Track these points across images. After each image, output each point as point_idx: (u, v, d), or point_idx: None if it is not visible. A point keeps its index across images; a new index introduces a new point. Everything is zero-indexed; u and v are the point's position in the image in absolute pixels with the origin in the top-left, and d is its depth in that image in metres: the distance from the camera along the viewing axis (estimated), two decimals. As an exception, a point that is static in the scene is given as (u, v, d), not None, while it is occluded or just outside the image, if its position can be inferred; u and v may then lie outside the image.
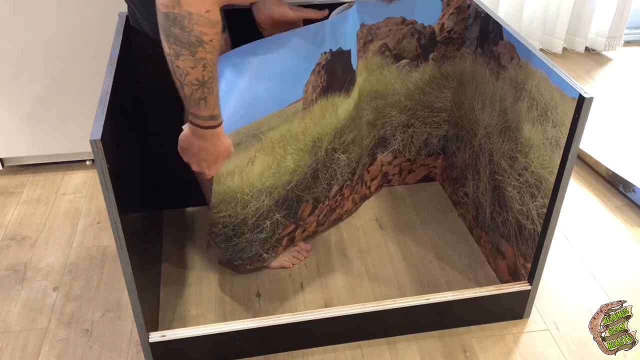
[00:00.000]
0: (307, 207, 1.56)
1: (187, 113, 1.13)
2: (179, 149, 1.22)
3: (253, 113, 1.28)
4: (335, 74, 1.42)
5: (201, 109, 1.11)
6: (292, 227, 1.55)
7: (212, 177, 1.33)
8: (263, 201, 1.41)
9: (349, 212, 1.79)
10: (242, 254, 1.50)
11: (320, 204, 1.60)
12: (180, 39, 1.01)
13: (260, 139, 1.32)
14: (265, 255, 1.54)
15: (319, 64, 1.37)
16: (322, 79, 1.39)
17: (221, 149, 1.19)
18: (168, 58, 1.04)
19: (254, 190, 1.37)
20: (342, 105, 1.49)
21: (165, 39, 1.02)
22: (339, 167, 1.60)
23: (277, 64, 1.28)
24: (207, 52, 1.03)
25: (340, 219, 1.76)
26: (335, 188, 1.63)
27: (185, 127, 1.18)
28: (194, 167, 1.23)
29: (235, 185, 1.33)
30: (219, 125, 1.15)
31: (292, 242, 1.61)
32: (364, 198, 1.84)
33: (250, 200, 1.38)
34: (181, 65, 1.04)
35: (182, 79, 1.06)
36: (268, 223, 1.47)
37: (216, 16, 1.00)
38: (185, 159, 1.23)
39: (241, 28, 1.38)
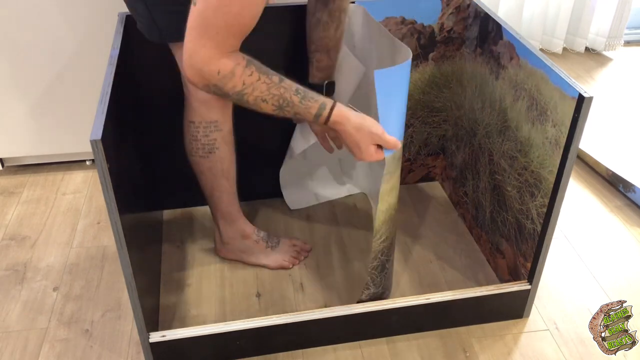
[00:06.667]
0: None
1: None
2: None
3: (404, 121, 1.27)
4: None
5: (305, 117, 1.13)
6: None
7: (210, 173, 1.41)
8: (392, 214, 1.34)
9: None
10: (388, 282, 1.42)
11: None
12: (231, 98, 1.09)
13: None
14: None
15: None
16: None
17: (352, 133, 1.14)
18: None
19: (397, 204, 1.32)
20: None
21: None
22: None
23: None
24: (252, 93, 1.07)
25: None
26: None
27: None
28: (357, 158, 1.21)
29: (393, 201, 1.27)
30: (329, 114, 1.13)
31: None
32: None
33: (395, 214, 1.32)
34: (256, 109, 1.11)
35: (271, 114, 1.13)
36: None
37: (228, 68, 1.04)
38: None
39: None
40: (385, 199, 1.23)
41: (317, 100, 1.12)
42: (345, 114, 1.14)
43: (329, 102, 1.14)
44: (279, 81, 1.10)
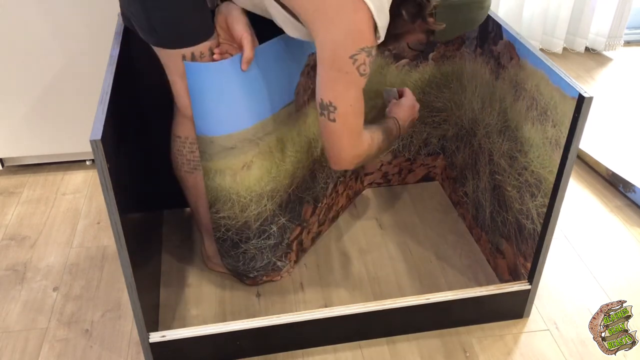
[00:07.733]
0: (308, 208, 1.56)
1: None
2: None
3: (246, 119, 1.28)
4: None
5: (395, 135, 1.39)
6: (299, 229, 1.55)
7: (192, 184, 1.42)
8: (265, 205, 1.41)
9: (344, 208, 1.79)
10: (255, 264, 1.48)
11: (320, 204, 1.61)
12: (370, 156, 1.30)
13: (258, 144, 1.32)
14: (279, 263, 1.53)
15: (307, 65, 1.37)
16: (312, 80, 1.39)
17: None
18: None
19: (252, 194, 1.37)
20: None
21: None
22: None
23: (267, 70, 1.28)
24: (376, 148, 1.31)
25: (337, 216, 1.76)
26: (330, 186, 1.64)
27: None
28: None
29: (228, 185, 1.33)
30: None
31: (301, 245, 1.60)
32: (357, 193, 1.85)
33: (249, 203, 1.38)
34: (381, 153, 1.38)
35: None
36: (275, 228, 1.46)
37: (364, 147, 1.25)
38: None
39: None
40: (211, 177, 1.33)
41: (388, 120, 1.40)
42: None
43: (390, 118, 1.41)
44: (376, 130, 1.31)
